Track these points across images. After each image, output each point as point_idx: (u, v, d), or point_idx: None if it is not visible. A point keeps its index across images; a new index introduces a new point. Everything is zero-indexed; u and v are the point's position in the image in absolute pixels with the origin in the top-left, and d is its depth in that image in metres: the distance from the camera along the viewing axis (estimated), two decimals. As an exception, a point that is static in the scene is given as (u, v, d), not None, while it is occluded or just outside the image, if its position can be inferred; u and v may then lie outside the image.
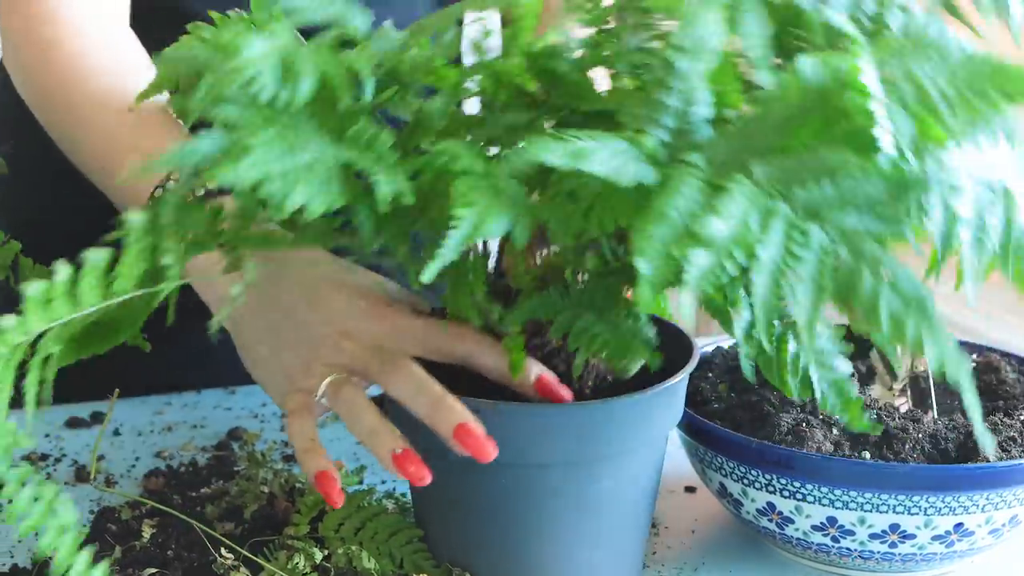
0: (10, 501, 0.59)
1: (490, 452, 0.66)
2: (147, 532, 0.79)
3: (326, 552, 0.75)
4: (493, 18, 0.78)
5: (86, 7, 0.92)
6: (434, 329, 0.71)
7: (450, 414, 0.66)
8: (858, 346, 0.87)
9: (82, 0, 0.92)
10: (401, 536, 0.75)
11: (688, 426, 0.79)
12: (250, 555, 0.76)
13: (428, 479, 0.67)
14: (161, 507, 0.82)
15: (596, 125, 0.58)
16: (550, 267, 0.69)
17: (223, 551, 0.76)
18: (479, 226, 0.53)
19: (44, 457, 0.94)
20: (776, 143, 0.54)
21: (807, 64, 0.54)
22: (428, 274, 0.54)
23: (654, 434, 0.73)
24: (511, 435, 0.68)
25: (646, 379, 0.70)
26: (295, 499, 0.83)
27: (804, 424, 0.77)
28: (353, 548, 0.74)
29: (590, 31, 0.71)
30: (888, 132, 0.54)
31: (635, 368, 0.67)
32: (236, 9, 0.72)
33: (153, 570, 0.75)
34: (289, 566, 0.74)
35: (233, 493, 0.84)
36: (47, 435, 0.98)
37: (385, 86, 0.71)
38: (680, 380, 0.72)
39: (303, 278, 0.75)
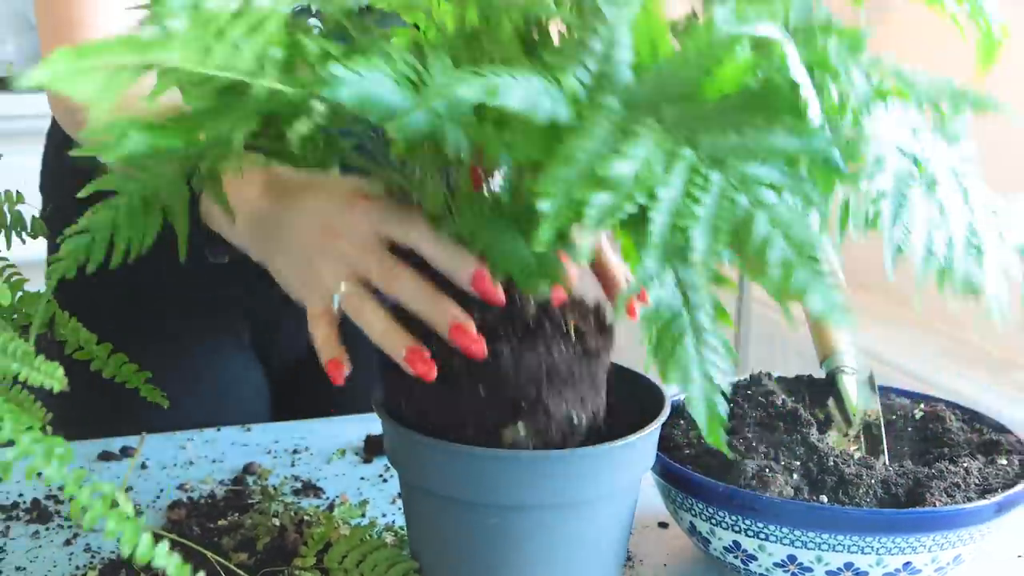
0: (71, 498, 0.67)
1: (480, 349, 0.71)
2: (169, 561, 0.87)
3: (330, 582, 0.82)
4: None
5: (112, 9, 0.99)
6: (392, 211, 0.77)
7: (447, 310, 0.73)
8: (816, 394, 0.94)
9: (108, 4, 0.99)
10: (398, 568, 0.82)
11: (661, 470, 0.86)
12: (261, 584, 0.84)
13: (433, 374, 0.73)
14: (180, 539, 0.89)
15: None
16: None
17: (237, 580, 0.84)
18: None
19: (76, 488, 1.01)
20: (689, 90, 0.54)
21: (722, 13, 0.55)
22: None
23: (629, 478, 0.80)
24: (499, 479, 0.75)
25: (624, 429, 0.77)
26: (303, 532, 0.90)
27: (767, 470, 0.84)
28: (354, 579, 0.82)
29: None
30: (814, 97, 0.54)
31: (547, 290, 0.70)
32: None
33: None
34: (296, 595, 0.81)
35: (247, 525, 0.92)
36: (81, 467, 1.05)
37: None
38: (653, 430, 0.79)
39: (284, 190, 0.83)
